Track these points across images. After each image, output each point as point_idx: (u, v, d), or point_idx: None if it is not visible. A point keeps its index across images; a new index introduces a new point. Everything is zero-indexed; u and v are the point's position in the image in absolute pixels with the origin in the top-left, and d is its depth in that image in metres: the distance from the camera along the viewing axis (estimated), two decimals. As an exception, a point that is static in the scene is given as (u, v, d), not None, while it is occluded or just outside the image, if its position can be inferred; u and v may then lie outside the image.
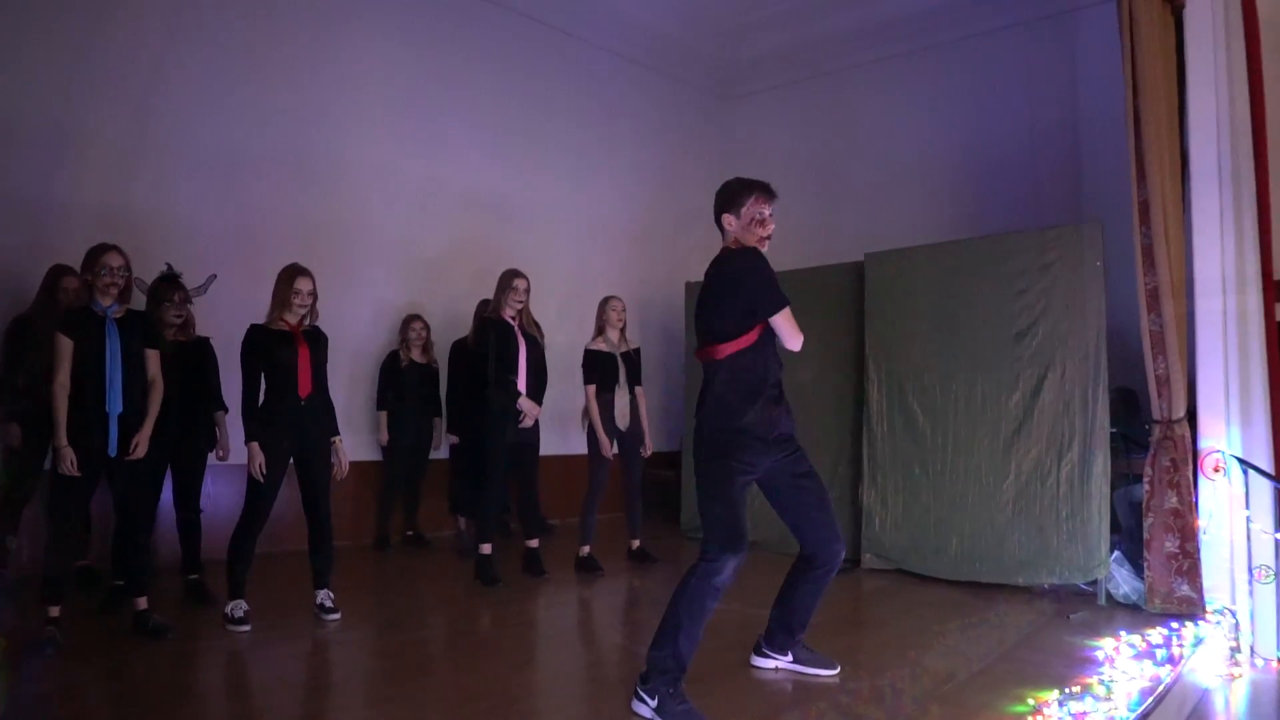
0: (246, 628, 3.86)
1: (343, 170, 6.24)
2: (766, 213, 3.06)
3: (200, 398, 4.65)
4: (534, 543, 5.12)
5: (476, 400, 5.55)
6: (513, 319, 4.98)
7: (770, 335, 3.03)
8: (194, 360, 4.60)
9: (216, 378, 4.80)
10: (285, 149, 5.97)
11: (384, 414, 6.03)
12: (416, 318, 6.14)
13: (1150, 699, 3.12)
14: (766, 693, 3.22)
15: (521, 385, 4.91)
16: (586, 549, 5.27)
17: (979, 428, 5.06)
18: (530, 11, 7.42)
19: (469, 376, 5.83)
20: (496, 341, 4.91)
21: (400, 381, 6.04)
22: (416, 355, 6.09)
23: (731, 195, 3.08)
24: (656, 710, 2.79)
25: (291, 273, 4.10)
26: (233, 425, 4.83)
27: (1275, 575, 4.42)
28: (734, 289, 3.01)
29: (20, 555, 4.67)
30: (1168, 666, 3.51)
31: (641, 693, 2.87)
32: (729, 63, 8.90)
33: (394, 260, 6.51)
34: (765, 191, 3.06)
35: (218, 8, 5.66)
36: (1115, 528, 5.01)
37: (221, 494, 5.20)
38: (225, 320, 5.02)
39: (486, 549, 4.85)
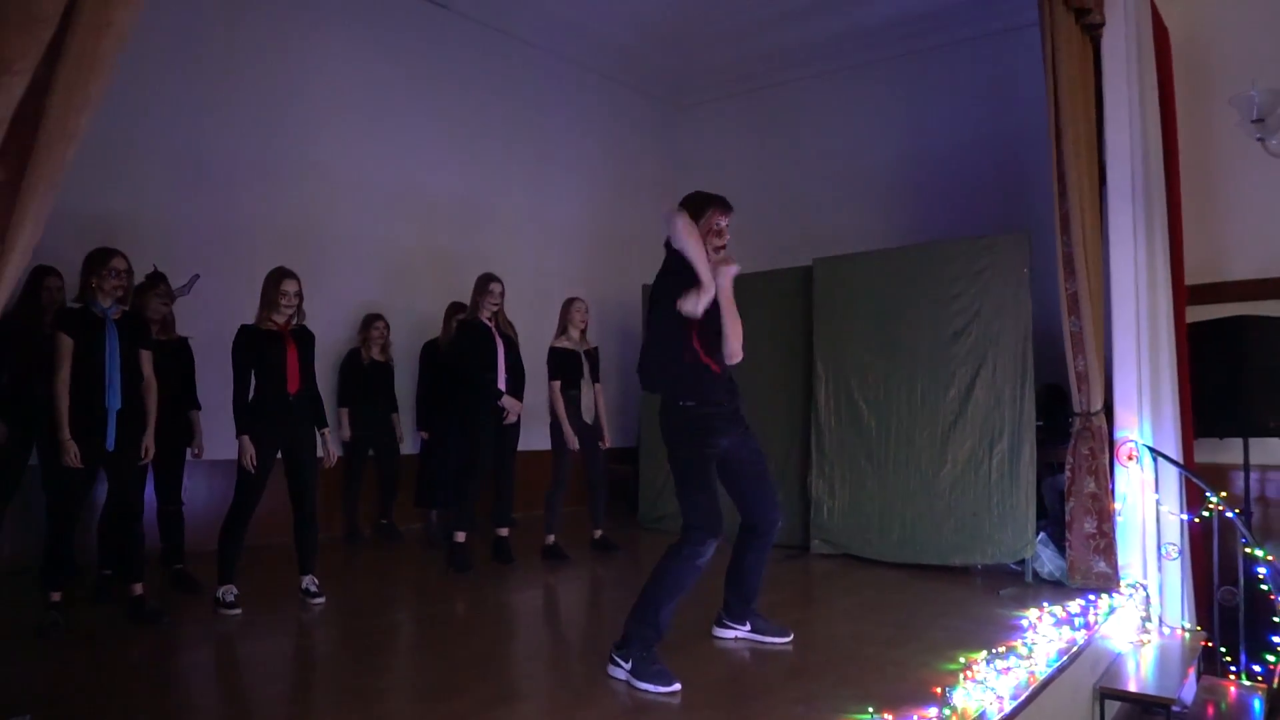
0: (237, 611, 4.07)
1: (314, 176, 6.43)
2: (723, 224, 3.39)
3: (180, 395, 4.84)
4: (504, 531, 5.39)
5: (447, 399, 5.81)
6: (489, 320, 5.24)
7: (702, 330, 3.33)
8: (175, 359, 4.78)
9: (193, 377, 4.99)
10: (258, 155, 6.13)
11: (345, 410, 6.21)
12: (379, 317, 6.33)
13: (1065, 657, 3.52)
14: (728, 658, 3.54)
15: (501, 383, 5.18)
16: (552, 538, 5.55)
17: (919, 421, 5.45)
18: (494, 23, 7.68)
19: (439, 376, 6.07)
20: (476, 343, 5.16)
21: (362, 379, 6.23)
22: (376, 354, 6.28)
23: (694, 205, 3.38)
24: (631, 672, 3.09)
25: (278, 275, 4.32)
26: (208, 422, 5.05)
27: (1180, 553, 4.90)
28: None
29: (2, 549, 4.81)
30: (1083, 631, 3.92)
31: (616, 657, 3.17)
32: (683, 73, 9.24)
33: (362, 262, 6.71)
34: (724, 205, 3.39)
35: (191, 17, 5.82)
36: (1044, 514, 5.44)
37: (197, 489, 5.37)
38: (203, 320, 5.23)
39: (461, 537, 5.10)
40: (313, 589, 4.34)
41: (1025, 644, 3.58)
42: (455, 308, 6.18)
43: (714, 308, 3.34)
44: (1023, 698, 2.99)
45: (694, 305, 3.20)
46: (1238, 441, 5.58)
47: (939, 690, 3.00)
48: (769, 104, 8.87)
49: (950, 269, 5.44)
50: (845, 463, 5.74)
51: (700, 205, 3.39)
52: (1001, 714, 2.83)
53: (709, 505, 3.20)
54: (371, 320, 6.28)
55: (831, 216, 8.00)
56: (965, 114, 7.52)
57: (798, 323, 6.17)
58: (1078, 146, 4.89)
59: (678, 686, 3.01)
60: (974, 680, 3.11)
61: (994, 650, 3.47)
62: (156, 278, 4.64)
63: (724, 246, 3.41)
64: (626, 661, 3.12)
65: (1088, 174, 4.99)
